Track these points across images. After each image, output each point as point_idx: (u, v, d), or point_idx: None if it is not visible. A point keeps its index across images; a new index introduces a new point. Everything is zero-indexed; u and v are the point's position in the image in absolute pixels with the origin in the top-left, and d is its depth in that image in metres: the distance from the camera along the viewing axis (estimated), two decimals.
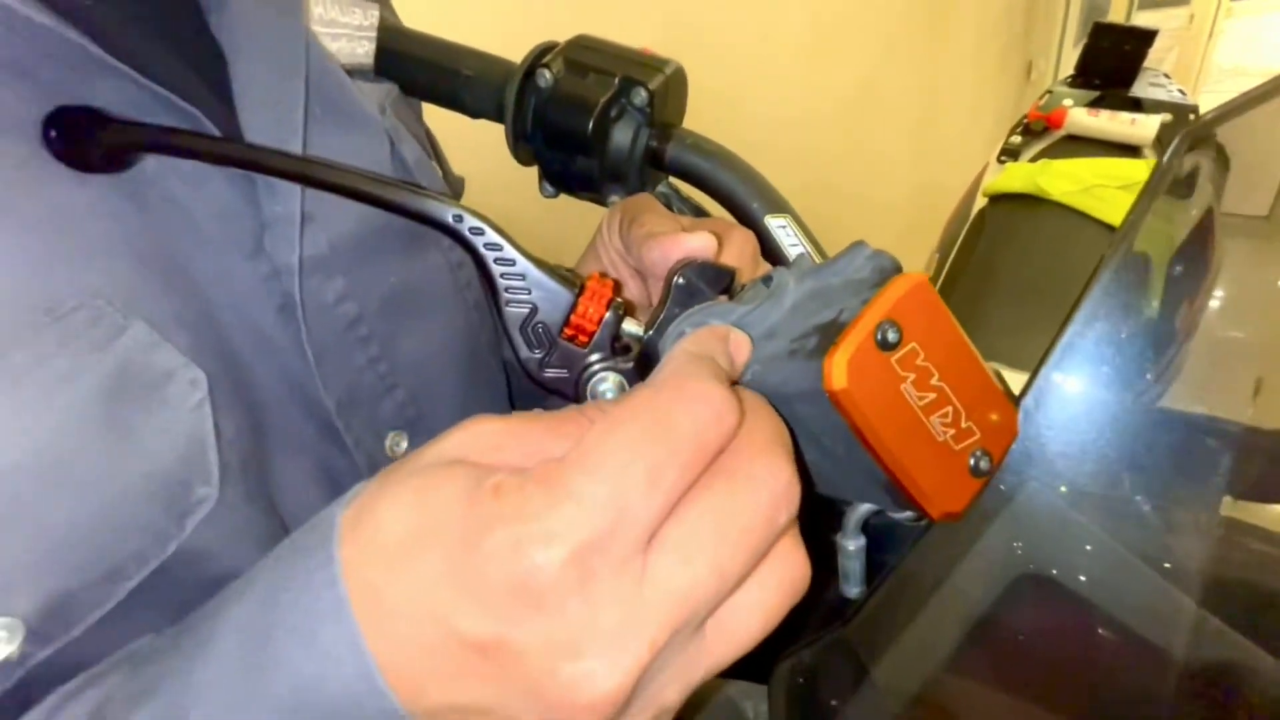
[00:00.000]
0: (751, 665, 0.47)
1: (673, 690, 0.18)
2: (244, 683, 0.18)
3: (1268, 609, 0.27)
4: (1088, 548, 0.26)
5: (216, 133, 0.25)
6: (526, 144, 0.40)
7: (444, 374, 0.35)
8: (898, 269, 0.24)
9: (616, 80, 0.36)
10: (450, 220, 0.24)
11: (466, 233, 0.24)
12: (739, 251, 0.31)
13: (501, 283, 0.25)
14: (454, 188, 0.58)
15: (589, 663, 0.16)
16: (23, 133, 0.21)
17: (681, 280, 0.26)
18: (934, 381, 0.22)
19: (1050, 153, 1.19)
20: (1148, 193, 0.31)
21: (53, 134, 0.21)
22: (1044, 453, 0.27)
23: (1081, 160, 1.14)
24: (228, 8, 0.27)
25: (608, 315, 0.25)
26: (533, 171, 0.43)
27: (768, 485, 0.18)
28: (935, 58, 2.15)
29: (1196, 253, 0.39)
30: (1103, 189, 1.11)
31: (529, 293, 0.25)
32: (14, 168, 0.20)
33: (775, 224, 0.38)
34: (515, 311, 0.25)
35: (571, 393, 0.25)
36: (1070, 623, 0.26)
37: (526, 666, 0.16)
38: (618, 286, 0.26)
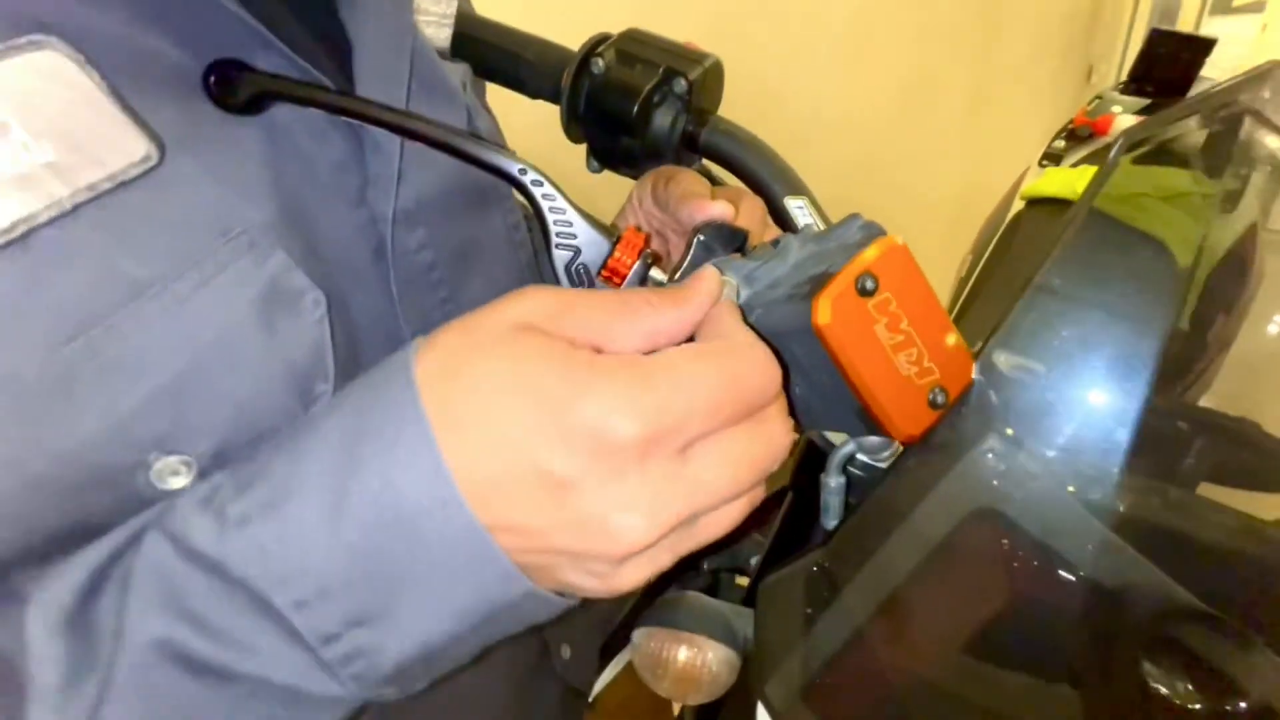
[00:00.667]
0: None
1: (667, 555, 0.23)
2: (335, 480, 0.22)
3: (1202, 557, 0.31)
4: (1034, 488, 0.30)
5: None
6: (578, 124, 0.45)
7: None
8: (883, 234, 0.28)
9: (661, 70, 0.41)
10: (516, 172, 0.29)
11: (528, 184, 0.29)
12: (749, 215, 0.37)
13: (553, 228, 0.30)
14: None
15: (633, 518, 0.21)
16: (191, 86, 0.27)
17: (702, 238, 0.31)
18: (903, 326, 0.27)
19: (1093, 159, 1.19)
20: (1086, 197, 0.35)
21: (211, 79, 0.27)
22: (1009, 407, 0.31)
23: None
24: (358, 1, 0.32)
25: (638, 263, 0.30)
26: (579, 150, 0.48)
27: (779, 440, 0.24)
28: (989, 55, 2.11)
29: (1238, 266, 0.42)
30: (1143, 198, 1.11)
31: (575, 238, 0.30)
32: (188, 112, 0.26)
33: (794, 204, 0.42)
34: (562, 253, 0.30)
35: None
36: (1013, 555, 0.30)
37: (584, 505, 0.21)
38: (649, 239, 0.31)
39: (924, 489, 0.32)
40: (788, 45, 1.48)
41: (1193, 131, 0.43)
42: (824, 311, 0.26)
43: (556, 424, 0.21)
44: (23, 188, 0.22)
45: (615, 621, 0.64)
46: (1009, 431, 0.31)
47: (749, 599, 0.43)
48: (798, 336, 0.27)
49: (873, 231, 0.29)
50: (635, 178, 0.46)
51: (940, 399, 0.28)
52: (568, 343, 0.22)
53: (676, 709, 0.68)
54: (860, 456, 0.33)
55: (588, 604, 0.39)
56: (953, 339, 0.29)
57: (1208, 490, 0.34)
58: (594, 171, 0.47)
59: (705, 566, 0.63)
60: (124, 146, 0.24)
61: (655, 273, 0.31)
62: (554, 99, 0.46)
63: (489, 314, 0.23)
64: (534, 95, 0.47)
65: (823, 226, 0.43)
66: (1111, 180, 0.38)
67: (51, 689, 0.23)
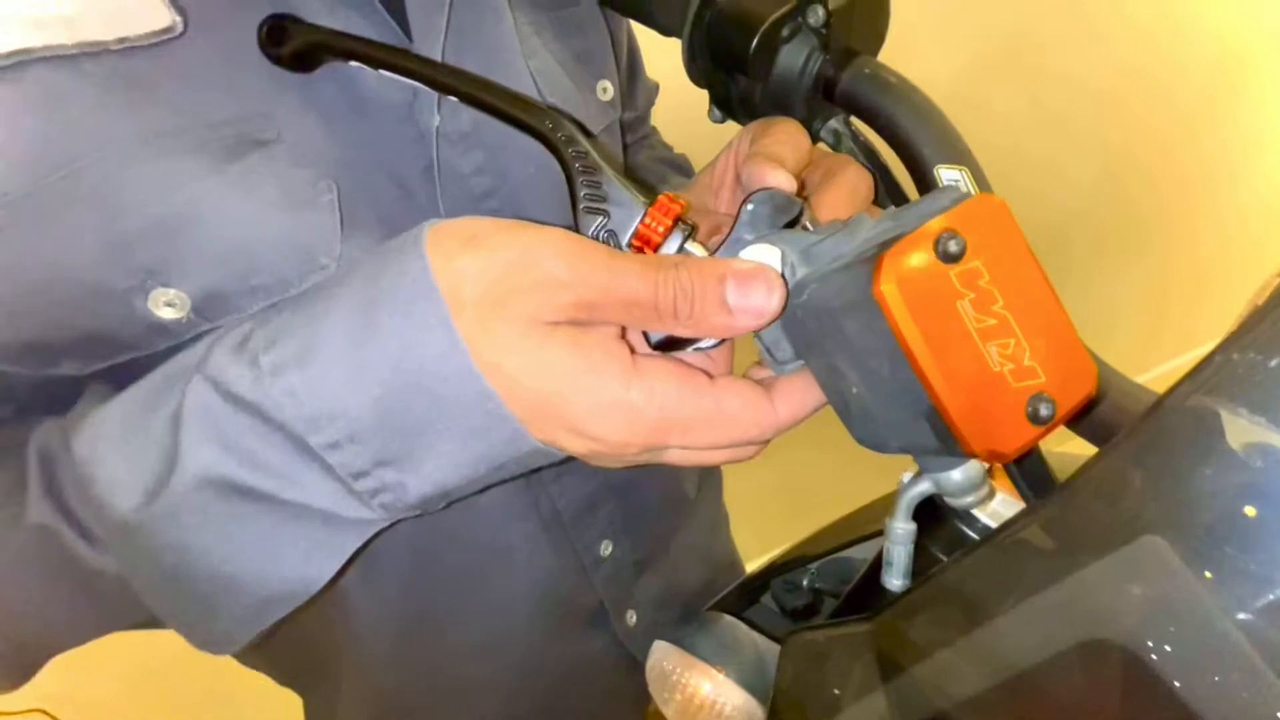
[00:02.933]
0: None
1: (644, 457, 0.27)
2: (355, 342, 0.24)
3: None
4: (1199, 633, 0.19)
5: (392, 38, 0.32)
6: (699, 64, 0.39)
7: None
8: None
9: None
10: (542, 126, 0.27)
11: (557, 139, 0.27)
12: (850, 191, 0.29)
13: (581, 190, 0.26)
14: (647, 95, 0.60)
15: (603, 439, 0.25)
16: (249, 33, 0.30)
17: (751, 206, 0.26)
18: (997, 308, 0.20)
19: None
20: None
21: (264, 30, 0.30)
22: (1177, 498, 0.20)
23: None
24: None
25: (674, 233, 0.25)
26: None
27: (751, 451, 0.28)
28: None
29: None
30: None
31: (604, 200, 0.26)
32: (246, 59, 0.30)
33: (948, 175, 0.33)
34: (588, 218, 0.26)
35: None
36: (1138, 709, 0.20)
37: (572, 409, 0.25)
38: (687, 206, 0.27)
39: (1032, 582, 0.23)
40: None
41: None
42: (887, 272, 0.20)
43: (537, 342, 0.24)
44: (33, 27, 0.25)
45: (699, 599, 0.60)
46: (1199, 538, 0.20)
47: (807, 615, 0.36)
48: (855, 311, 0.21)
49: (966, 197, 0.22)
50: None
51: (1045, 411, 0.21)
52: (554, 309, 0.24)
53: None
54: (952, 500, 0.25)
55: (657, 574, 0.49)
56: (1068, 335, 0.21)
57: None
58: (715, 121, 0.41)
59: (806, 584, 0.55)
60: (146, 16, 0.27)
61: (692, 246, 0.26)
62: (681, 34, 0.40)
63: (497, 227, 0.25)
64: (665, 31, 0.42)
65: None
66: None
67: (114, 493, 0.27)
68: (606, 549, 0.49)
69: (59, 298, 0.28)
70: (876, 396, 0.23)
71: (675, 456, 0.27)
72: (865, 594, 0.40)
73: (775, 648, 0.35)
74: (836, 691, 0.26)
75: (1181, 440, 0.21)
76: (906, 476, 0.26)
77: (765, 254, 0.25)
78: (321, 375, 0.25)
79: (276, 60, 0.29)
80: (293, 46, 0.29)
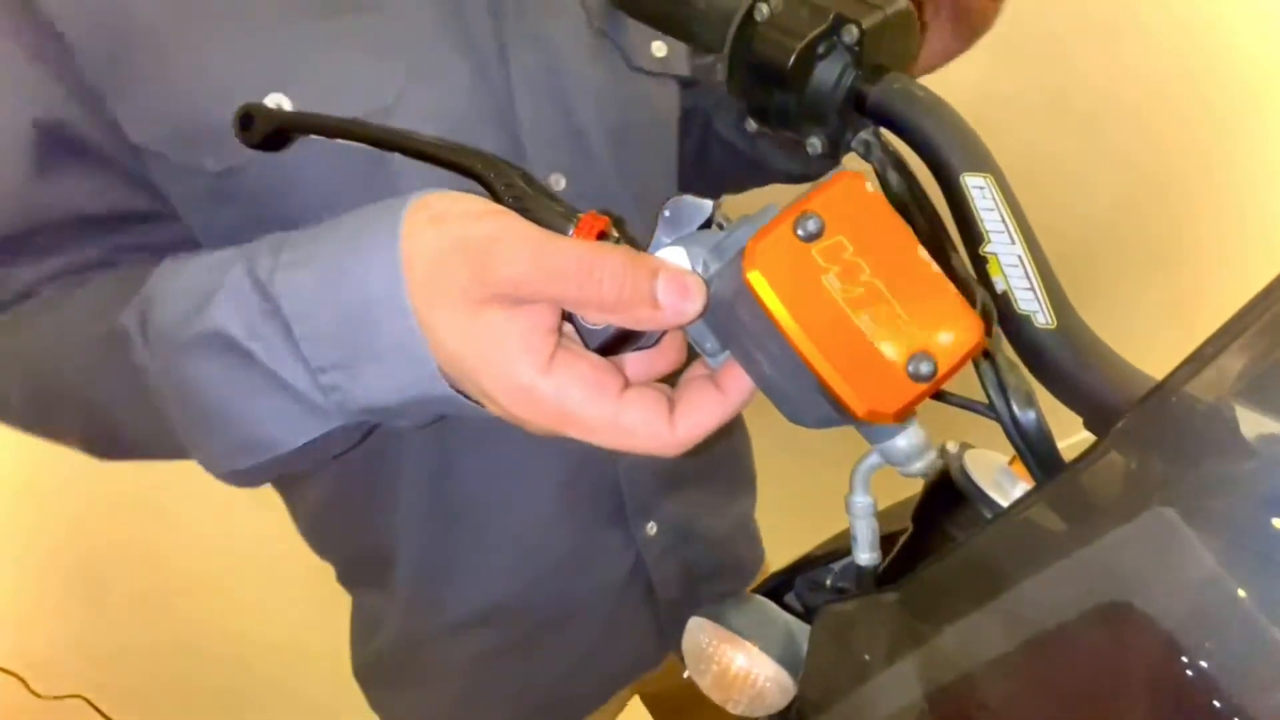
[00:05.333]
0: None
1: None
2: (336, 261, 0.32)
3: None
4: (1207, 595, 0.21)
5: None
6: (737, 78, 0.41)
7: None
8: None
9: (831, 16, 0.36)
10: (474, 166, 0.32)
11: (488, 176, 0.32)
12: None
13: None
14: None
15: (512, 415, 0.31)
16: None
17: (667, 213, 0.29)
18: (864, 277, 0.22)
19: None
20: None
21: (237, 120, 0.38)
22: (1187, 473, 0.22)
23: None
24: None
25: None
26: None
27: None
28: None
29: None
30: None
31: (536, 224, 0.30)
32: None
33: (972, 183, 0.35)
34: None
35: (565, 314, 0.31)
36: (1154, 671, 0.22)
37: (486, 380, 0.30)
38: (611, 221, 0.30)
39: (1050, 551, 0.25)
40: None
41: None
42: (751, 260, 0.21)
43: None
44: None
45: (717, 554, 0.62)
46: (1201, 506, 0.22)
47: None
48: (741, 299, 0.23)
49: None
50: (796, 140, 0.41)
51: (926, 369, 0.22)
52: (484, 284, 0.29)
53: None
54: (901, 469, 0.27)
55: (678, 502, 0.60)
56: (944, 294, 0.22)
57: None
58: (751, 131, 0.43)
59: (829, 583, 0.57)
60: None
61: None
62: (721, 50, 0.43)
63: (463, 212, 0.31)
64: (704, 49, 0.45)
65: (1008, 214, 0.35)
66: None
67: (165, 315, 0.36)
68: None
69: (210, 85, 0.40)
70: (781, 376, 0.24)
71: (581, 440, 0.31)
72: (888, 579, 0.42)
73: (804, 626, 0.37)
74: (867, 657, 0.28)
75: (1182, 419, 0.23)
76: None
77: (675, 255, 0.28)
78: (310, 282, 0.32)
79: (252, 146, 0.37)
80: (261, 131, 0.36)
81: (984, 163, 0.35)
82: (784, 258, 0.22)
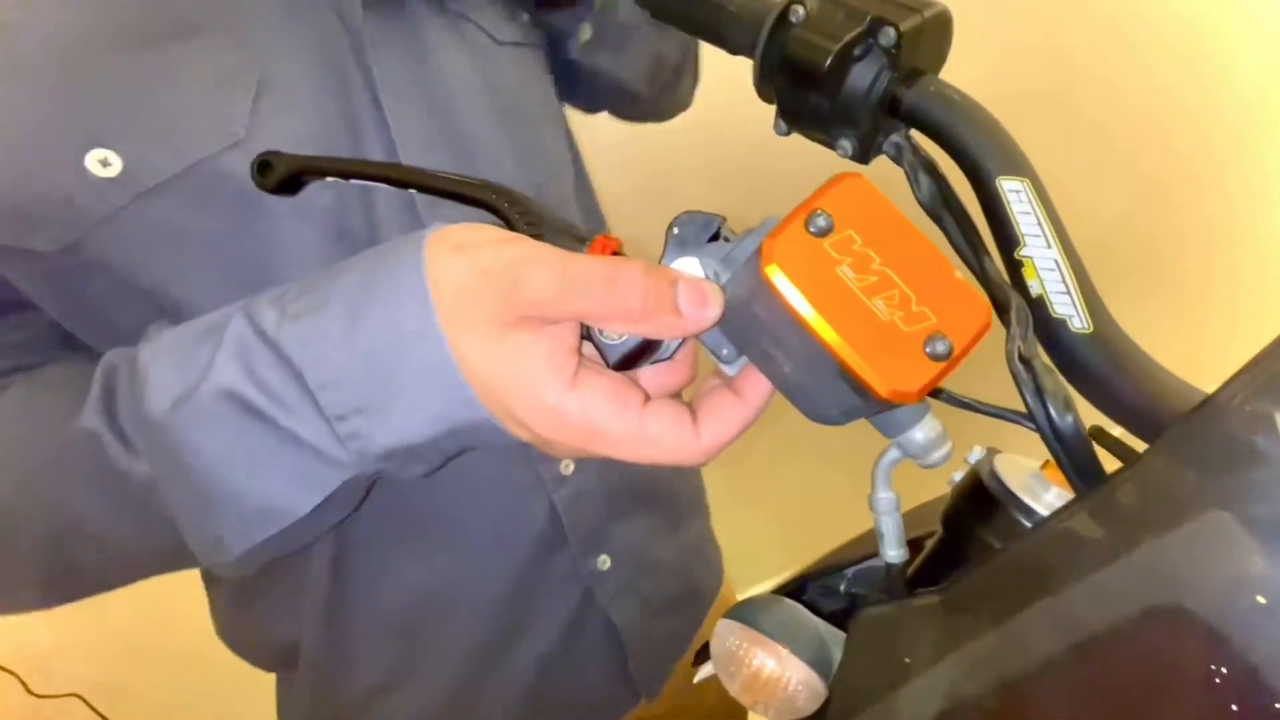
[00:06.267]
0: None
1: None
2: (354, 304, 0.30)
3: None
4: (1261, 600, 0.21)
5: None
6: (770, 80, 0.41)
7: None
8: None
9: (867, 19, 0.36)
10: (487, 197, 0.33)
11: (501, 205, 0.32)
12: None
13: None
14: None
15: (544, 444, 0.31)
16: None
17: (676, 230, 0.30)
18: (875, 266, 0.24)
19: None
20: None
21: (254, 166, 0.37)
22: (1240, 480, 0.22)
23: None
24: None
25: None
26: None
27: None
28: None
29: None
30: None
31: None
32: None
33: (1009, 186, 0.35)
34: None
35: (583, 333, 0.31)
36: (1206, 674, 0.22)
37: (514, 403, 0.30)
38: (621, 244, 0.31)
39: (1101, 555, 0.25)
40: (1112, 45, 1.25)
41: None
42: (768, 256, 0.23)
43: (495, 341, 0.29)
44: None
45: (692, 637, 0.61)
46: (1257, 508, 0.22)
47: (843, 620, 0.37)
48: (758, 297, 0.24)
49: None
50: (827, 142, 0.41)
51: (942, 348, 0.23)
52: (511, 307, 0.29)
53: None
54: (920, 461, 0.27)
55: (633, 528, 0.58)
56: (951, 280, 0.24)
57: None
58: (780, 134, 0.43)
59: (843, 589, 0.57)
60: None
61: None
62: (752, 54, 0.43)
63: (486, 240, 0.30)
64: (734, 51, 0.45)
65: (1044, 218, 0.35)
66: None
67: (157, 394, 0.33)
68: (568, 466, 0.51)
69: (15, 157, 0.34)
70: (801, 370, 0.25)
71: (607, 458, 0.31)
72: (921, 580, 0.42)
73: (835, 630, 0.36)
74: (907, 660, 0.28)
75: (1236, 427, 0.23)
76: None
77: (689, 265, 0.29)
78: (323, 328, 0.31)
79: (268, 190, 0.36)
80: (278, 175, 0.35)
81: (1021, 166, 0.35)
82: (799, 252, 0.23)
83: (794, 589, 0.58)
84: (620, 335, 0.29)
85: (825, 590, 0.57)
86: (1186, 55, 1.40)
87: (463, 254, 0.30)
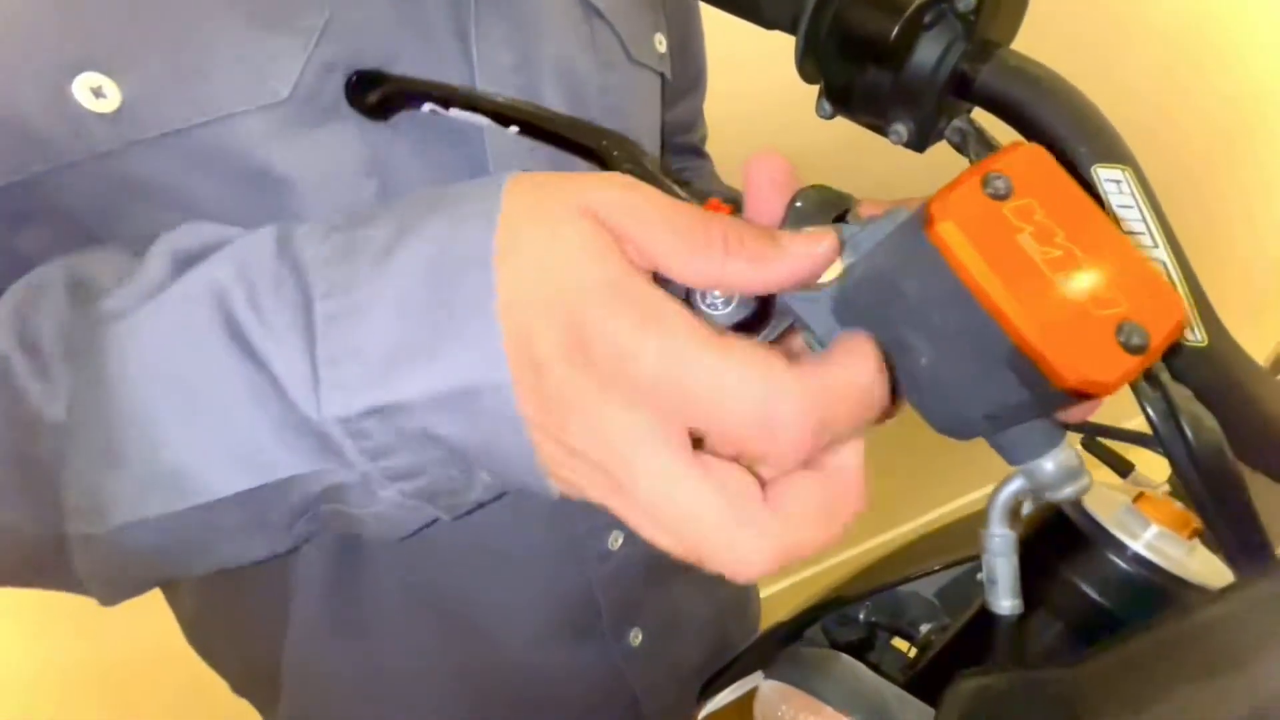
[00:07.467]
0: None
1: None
2: (399, 229, 0.23)
3: None
4: None
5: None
6: (815, 56, 0.36)
7: None
8: None
9: None
10: (598, 145, 0.29)
11: (613, 156, 0.28)
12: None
13: None
14: (694, 108, 0.60)
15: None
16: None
17: (799, 203, 0.26)
18: (1059, 240, 0.19)
19: None
20: None
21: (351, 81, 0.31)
22: None
23: None
24: None
25: None
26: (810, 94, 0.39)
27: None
28: None
29: None
30: None
31: None
32: None
33: (1107, 175, 0.30)
34: None
35: (682, 295, 0.26)
36: None
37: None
38: (734, 209, 0.26)
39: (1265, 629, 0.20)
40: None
41: None
42: (942, 213, 0.19)
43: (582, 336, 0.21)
44: None
45: (710, 668, 0.56)
46: None
47: (919, 686, 0.32)
48: (911, 268, 0.20)
49: None
50: (878, 127, 0.37)
51: (1138, 339, 0.19)
52: (626, 258, 0.22)
53: None
54: (1050, 494, 0.23)
55: (667, 595, 0.48)
56: (1143, 267, 0.20)
57: None
58: (824, 116, 0.38)
59: (861, 618, 0.52)
60: None
61: None
62: (792, 30, 0.38)
63: (567, 185, 0.23)
64: (770, 25, 0.40)
65: (1148, 210, 0.30)
66: None
67: (114, 291, 0.25)
68: (616, 541, 0.44)
69: None
70: (950, 357, 0.21)
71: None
72: (983, 630, 0.37)
73: (901, 692, 0.31)
74: None
75: None
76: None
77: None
78: (366, 237, 0.24)
79: (364, 111, 0.30)
80: (377, 95, 0.30)
81: (1120, 153, 0.30)
82: (976, 212, 0.20)
83: (808, 619, 0.53)
84: (727, 302, 0.24)
85: (843, 619, 0.52)
86: (1187, 55, 1.39)
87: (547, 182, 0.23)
